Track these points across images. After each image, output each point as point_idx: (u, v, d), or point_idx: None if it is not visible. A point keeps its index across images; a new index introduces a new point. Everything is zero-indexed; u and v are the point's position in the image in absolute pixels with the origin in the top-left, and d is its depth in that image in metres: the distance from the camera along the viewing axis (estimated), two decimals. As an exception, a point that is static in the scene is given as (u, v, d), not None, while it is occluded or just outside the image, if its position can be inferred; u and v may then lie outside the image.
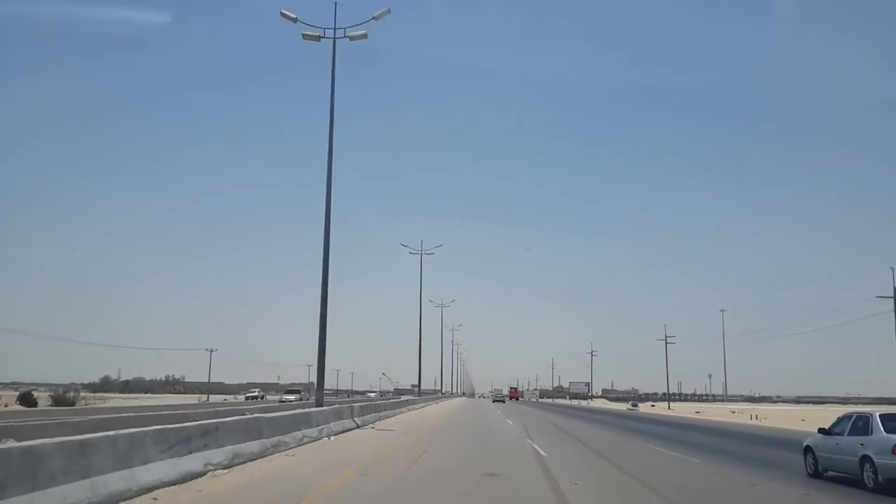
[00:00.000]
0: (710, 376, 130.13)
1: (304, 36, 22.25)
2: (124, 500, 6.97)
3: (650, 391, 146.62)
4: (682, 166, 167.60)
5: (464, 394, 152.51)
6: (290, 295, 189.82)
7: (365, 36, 22.27)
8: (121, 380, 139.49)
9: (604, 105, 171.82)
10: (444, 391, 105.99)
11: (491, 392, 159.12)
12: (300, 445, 14.06)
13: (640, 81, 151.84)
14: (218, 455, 9.77)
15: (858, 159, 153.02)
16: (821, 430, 12.42)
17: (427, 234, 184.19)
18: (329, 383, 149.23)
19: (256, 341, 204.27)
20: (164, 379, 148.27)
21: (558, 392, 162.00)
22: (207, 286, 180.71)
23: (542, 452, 15.25)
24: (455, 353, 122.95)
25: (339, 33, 21.92)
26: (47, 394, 48.90)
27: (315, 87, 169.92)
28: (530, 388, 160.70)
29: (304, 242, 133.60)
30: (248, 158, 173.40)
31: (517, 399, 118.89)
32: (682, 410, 69.73)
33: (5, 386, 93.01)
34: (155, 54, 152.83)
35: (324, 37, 22.06)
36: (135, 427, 8.07)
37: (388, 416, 28.36)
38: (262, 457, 11.58)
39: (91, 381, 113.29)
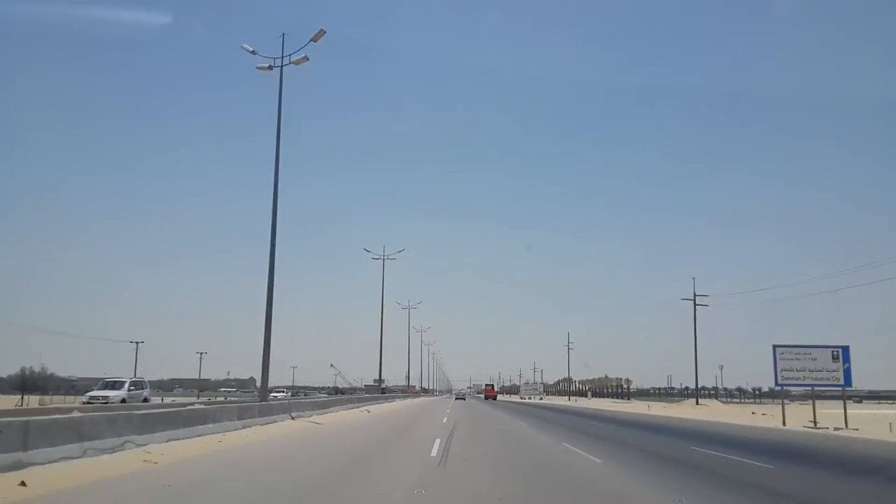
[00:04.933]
0: (721, 368, 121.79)
1: (258, 68, 25.28)
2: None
3: (642, 387, 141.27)
4: (685, 164, 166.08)
5: (424, 390, 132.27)
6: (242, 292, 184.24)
7: (306, 59, 25.20)
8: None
9: (603, 104, 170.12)
10: (413, 388, 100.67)
11: (469, 388, 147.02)
12: None
13: (640, 80, 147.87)
14: None
15: (860, 158, 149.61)
16: None
17: (423, 231, 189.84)
18: (283, 380, 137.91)
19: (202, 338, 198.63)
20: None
21: (558, 388, 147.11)
22: (190, 289, 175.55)
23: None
24: (428, 352, 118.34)
25: (286, 61, 25.20)
26: None
27: (306, 89, 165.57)
28: (526, 384, 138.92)
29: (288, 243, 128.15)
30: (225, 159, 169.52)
31: (494, 398, 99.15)
32: None
33: None
34: (150, 54, 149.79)
35: (274, 66, 25.19)
36: None
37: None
38: None
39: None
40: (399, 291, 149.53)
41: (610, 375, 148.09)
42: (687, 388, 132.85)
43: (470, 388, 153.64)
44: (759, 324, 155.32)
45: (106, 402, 27.34)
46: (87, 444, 9.79)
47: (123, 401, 28.50)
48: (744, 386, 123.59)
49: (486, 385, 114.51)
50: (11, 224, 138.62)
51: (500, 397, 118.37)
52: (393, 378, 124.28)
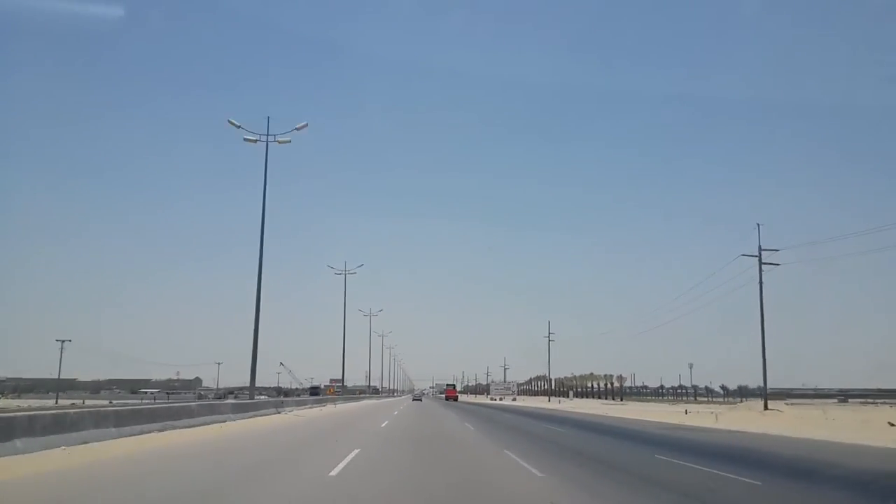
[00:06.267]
0: (690, 366, 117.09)
1: (245, 139, 29.81)
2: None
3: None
4: (678, 163, 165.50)
5: (375, 390, 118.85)
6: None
7: (289, 141, 30.29)
8: None
9: (571, 105, 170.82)
10: (332, 388, 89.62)
11: (432, 388, 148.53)
12: None
13: (607, 82, 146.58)
14: None
15: (860, 158, 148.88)
16: None
17: (384, 231, 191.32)
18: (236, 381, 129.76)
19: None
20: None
21: (532, 388, 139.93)
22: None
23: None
24: (382, 344, 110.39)
25: (271, 139, 29.92)
26: None
27: (286, 90, 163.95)
28: (495, 383, 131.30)
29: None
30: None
31: (455, 399, 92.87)
32: None
33: None
34: (127, 52, 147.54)
35: (259, 140, 29.90)
36: None
37: None
38: None
39: None
40: (359, 289, 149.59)
41: (579, 373, 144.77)
42: (682, 387, 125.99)
43: (433, 387, 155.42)
44: (723, 322, 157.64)
45: None
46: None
47: None
48: (708, 384, 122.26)
49: (448, 385, 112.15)
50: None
51: (467, 398, 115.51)
52: (354, 378, 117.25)
